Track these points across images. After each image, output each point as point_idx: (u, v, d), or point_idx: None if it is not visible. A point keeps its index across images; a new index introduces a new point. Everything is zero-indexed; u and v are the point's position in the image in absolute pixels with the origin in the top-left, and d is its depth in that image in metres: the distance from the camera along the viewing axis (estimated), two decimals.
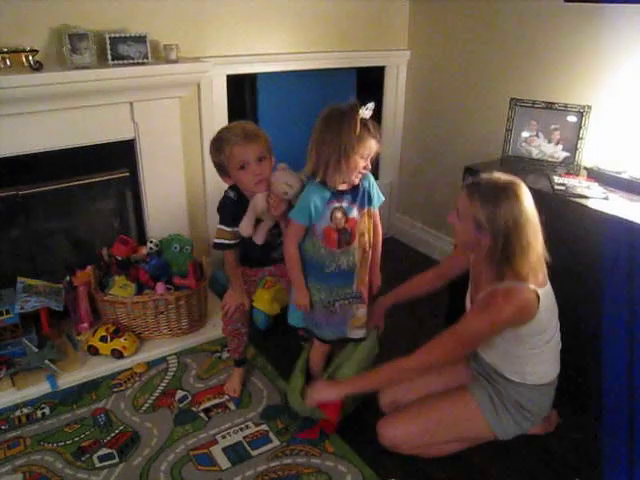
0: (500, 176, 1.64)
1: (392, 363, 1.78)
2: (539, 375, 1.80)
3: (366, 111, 1.71)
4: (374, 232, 1.97)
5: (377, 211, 1.96)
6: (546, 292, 1.69)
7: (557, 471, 1.91)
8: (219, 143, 1.92)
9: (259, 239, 1.98)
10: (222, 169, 1.95)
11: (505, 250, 1.59)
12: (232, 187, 2.00)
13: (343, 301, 1.96)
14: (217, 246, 2.04)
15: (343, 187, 1.82)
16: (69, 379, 2.26)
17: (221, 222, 2.02)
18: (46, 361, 2.23)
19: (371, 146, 1.74)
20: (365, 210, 1.89)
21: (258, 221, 1.97)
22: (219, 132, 1.95)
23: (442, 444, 1.91)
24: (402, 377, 1.83)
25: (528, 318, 1.66)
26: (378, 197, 1.92)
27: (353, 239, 1.88)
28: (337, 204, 1.82)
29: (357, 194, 1.85)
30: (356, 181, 1.81)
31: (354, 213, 1.85)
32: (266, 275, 2.22)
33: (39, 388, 2.20)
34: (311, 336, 2.09)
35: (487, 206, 1.58)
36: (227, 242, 2.02)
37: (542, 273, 1.70)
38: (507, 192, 1.59)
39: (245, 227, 1.94)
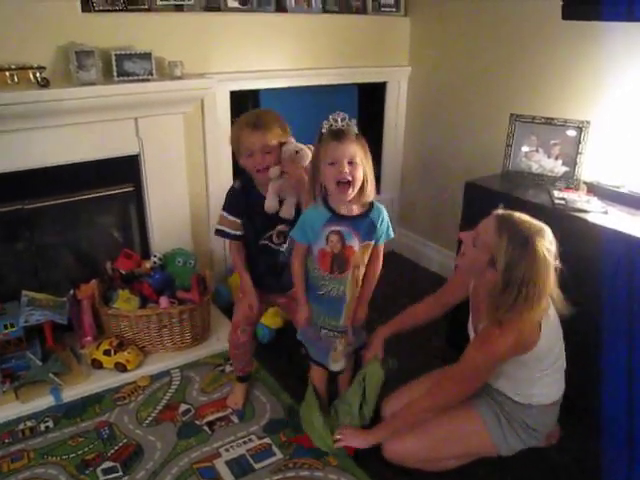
0: (532, 222, 1.59)
1: (408, 408, 1.83)
2: (545, 396, 1.79)
3: (333, 121, 1.72)
4: (374, 265, 1.91)
5: (381, 245, 1.91)
6: (548, 317, 1.67)
7: None
8: (233, 125, 2.01)
9: (286, 212, 1.98)
10: (236, 150, 2.00)
11: (513, 298, 1.55)
12: (241, 177, 2.05)
13: (329, 332, 1.94)
14: (217, 232, 2.09)
15: (345, 211, 1.78)
16: (73, 392, 2.26)
17: (223, 208, 2.06)
18: (50, 374, 2.24)
19: (337, 150, 1.67)
20: (367, 243, 1.84)
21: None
22: (241, 115, 2.01)
23: (446, 460, 1.90)
24: (419, 419, 1.84)
25: (529, 347, 1.65)
26: (387, 234, 1.87)
27: (347, 268, 1.83)
28: (335, 227, 1.77)
29: (361, 223, 1.80)
30: (347, 195, 1.71)
31: (354, 242, 1.80)
32: (277, 301, 2.21)
33: (43, 401, 2.20)
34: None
35: (512, 251, 1.53)
36: (227, 231, 2.05)
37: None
38: (535, 244, 1.53)
39: (268, 203, 1.97)
